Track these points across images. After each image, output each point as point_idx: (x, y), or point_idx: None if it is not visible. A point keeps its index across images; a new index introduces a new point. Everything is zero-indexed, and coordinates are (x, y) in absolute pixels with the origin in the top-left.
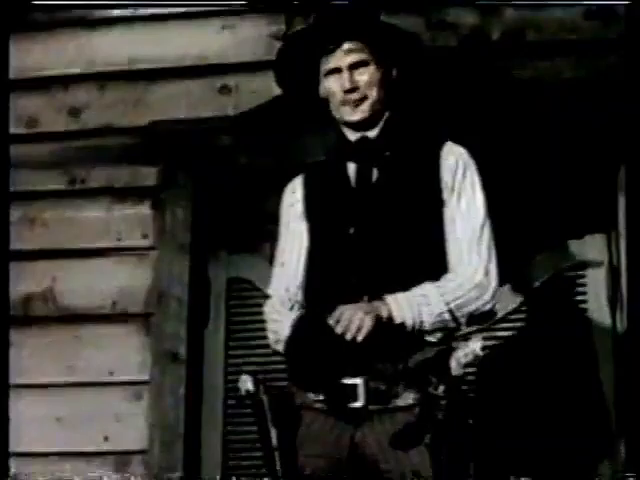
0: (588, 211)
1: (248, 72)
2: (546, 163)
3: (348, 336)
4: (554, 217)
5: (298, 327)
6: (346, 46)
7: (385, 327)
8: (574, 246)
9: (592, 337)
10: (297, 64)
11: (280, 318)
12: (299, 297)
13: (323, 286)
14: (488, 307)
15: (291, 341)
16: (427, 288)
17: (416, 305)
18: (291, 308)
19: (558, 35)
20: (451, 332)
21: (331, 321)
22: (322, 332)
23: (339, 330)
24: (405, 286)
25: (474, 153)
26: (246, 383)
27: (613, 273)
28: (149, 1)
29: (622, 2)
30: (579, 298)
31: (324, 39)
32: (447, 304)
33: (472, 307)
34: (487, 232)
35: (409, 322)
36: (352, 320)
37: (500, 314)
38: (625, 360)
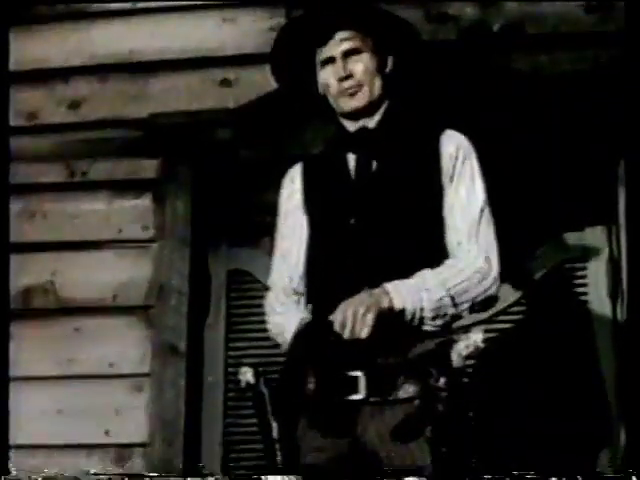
0: (588, 203)
1: (248, 65)
2: (546, 156)
3: (354, 336)
4: (555, 209)
5: (302, 334)
6: (339, 35)
7: (386, 317)
8: (575, 238)
9: (593, 329)
10: (292, 56)
11: (284, 311)
12: (301, 288)
13: (325, 276)
14: (489, 293)
15: (295, 348)
16: (427, 274)
17: (416, 291)
18: (297, 302)
19: (558, 28)
20: (451, 320)
21: (336, 325)
22: (327, 337)
23: (346, 334)
24: (406, 275)
25: (474, 146)
26: (246, 375)
27: (614, 265)
28: None
29: None
30: (580, 290)
31: (317, 29)
32: (448, 290)
33: (473, 293)
34: (487, 219)
35: (409, 308)
36: (355, 319)
37: (501, 306)
38: (626, 352)
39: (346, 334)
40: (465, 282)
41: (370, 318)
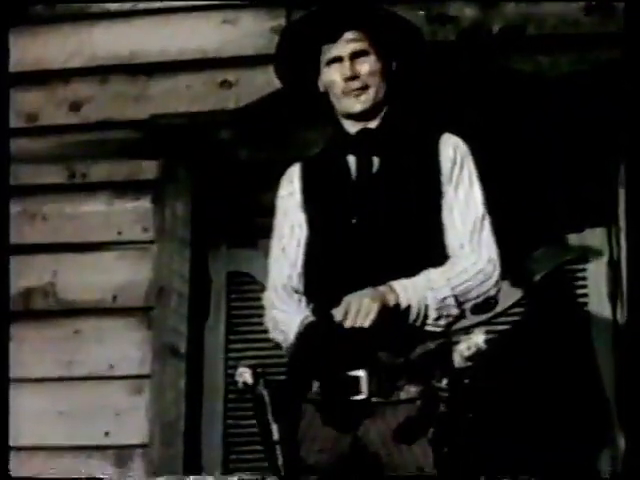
0: (589, 205)
1: (248, 66)
2: (547, 157)
3: (357, 324)
4: (555, 211)
5: (304, 334)
6: (347, 36)
7: (390, 315)
8: (575, 239)
9: (592, 330)
10: (298, 55)
11: (286, 308)
12: (300, 286)
13: (326, 276)
14: (492, 293)
15: (299, 348)
16: (432, 273)
17: (421, 289)
18: (299, 301)
19: (558, 29)
20: (454, 321)
21: (338, 315)
22: (331, 337)
23: (348, 323)
24: (409, 275)
25: (475, 147)
26: (244, 375)
27: (614, 267)
28: None
29: None
30: (580, 292)
31: (325, 29)
32: (452, 289)
33: (476, 293)
34: (486, 222)
35: (415, 306)
36: (359, 308)
37: (501, 308)
38: (625, 353)
39: (348, 322)
40: (468, 282)
41: (375, 308)
